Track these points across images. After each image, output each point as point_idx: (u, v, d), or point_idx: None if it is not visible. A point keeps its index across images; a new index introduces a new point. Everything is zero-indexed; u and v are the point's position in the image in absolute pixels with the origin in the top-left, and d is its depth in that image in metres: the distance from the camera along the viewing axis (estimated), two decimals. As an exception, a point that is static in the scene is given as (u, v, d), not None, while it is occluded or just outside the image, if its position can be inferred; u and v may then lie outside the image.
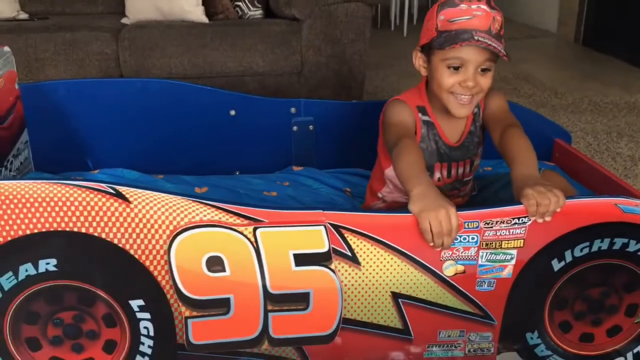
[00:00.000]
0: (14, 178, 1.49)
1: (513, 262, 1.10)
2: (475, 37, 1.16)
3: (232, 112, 1.75)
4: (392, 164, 1.22)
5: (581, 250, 1.11)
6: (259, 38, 2.25)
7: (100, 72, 2.22)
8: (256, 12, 2.42)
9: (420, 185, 1.08)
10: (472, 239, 1.08)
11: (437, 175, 1.35)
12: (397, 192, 1.39)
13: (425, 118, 1.33)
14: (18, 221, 1.03)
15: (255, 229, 1.06)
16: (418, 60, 1.29)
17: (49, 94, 1.71)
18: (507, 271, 1.11)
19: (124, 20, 2.45)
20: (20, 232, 1.03)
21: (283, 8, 2.28)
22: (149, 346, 1.11)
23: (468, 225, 1.07)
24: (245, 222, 1.06)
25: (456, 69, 1.21)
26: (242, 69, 2.25)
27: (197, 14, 2.30)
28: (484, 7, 1.19)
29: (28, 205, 1.02)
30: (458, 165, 1.36)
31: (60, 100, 1.72)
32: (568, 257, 1.11)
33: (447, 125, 1.33)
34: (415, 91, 1.35)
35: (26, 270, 1.05)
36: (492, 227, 1.08)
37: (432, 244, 1.05)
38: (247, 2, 2.42)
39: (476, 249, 1.08)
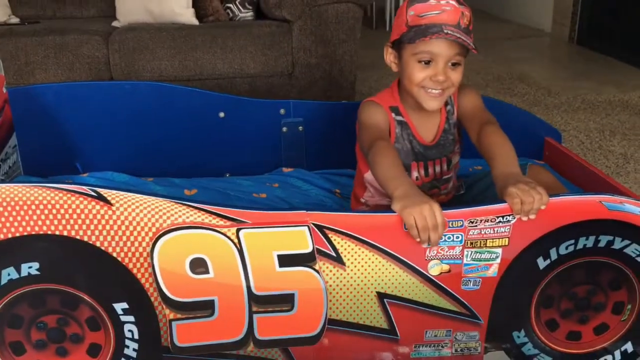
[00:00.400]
0: (0, 182, 1.49)
1: (498, 260, 1.09)
2: (445, 31, 1.18)
3: (222, 114, 1.75)
4: (369, 167, 1.21)
5: (566, 248, 1.10)
6: (250, 40, 2.25)
7: (91, 75, 2.22)
8: (247, 14, 2.42)
9: (401, 186, 1.08)
10: (457, 237, 1.08)
11: (415, 174, 1.35)
12: (379, 195, 1.38)
13: (399, 118, 1.33)
14: (-1, 225, 1.02)
15: (238, 230, 1.05)
16: (389, 56, 1.30)
17: (37, 97, 1.71)
18: (493, 270, 1.10)
19: (115, 23, 2.45)
20: (1, 236, 1.02)
21: (273, 10, 2.28)
22: (134, 349, 1.11)
23: (452, 224, 1.07)
24: (228, 223, 1.06)
25: (427, 63, 1.22)
26: (233, 71, 2.25)
27: (188, 16, 2.30)
28: (453, 2, 1.21)
29: (9, 208, 1.02)
30: (434, 163, 1.36)
31: (48, 104, 1.72)
32: (553, 255, 1.10)
33: (420, 124, 1.34)
34: (388, 92, 1.36)
35: (8, 275, 1.05)
36: (476, 225, 1.07)
37: (418, 239, 1.05)
38: (237, 4, 2.42)
39: (461, 248, 1.08)
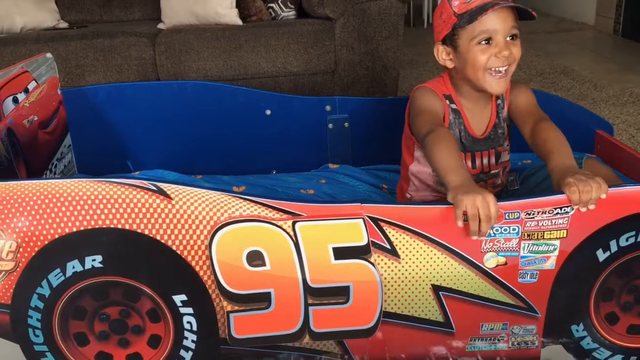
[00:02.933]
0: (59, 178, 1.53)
1: (556, 253, 1.08)
2: (499, 3, 1.20)
3: (268, 112, 1.77)
4: (426, 154, 1.21)
5: (627, 240, 1.08)
6: (293, 38, 2.26)
7: (138, 76, 2.27)
8: (289, 13, 2.44)
9: (459, 177, 1.08)
10: (513, 229, 1.07)
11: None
12: (423, 190, 1.39)
13: (453, 106, 1.33)
14: (65, 219, 1.06)
15: (294, 223, 1.06)
16: (441, 54, 1.31)
17: (89, 98, 1.76)
18: (550, 262, 1.09)
19: (160, 26, 2.50)
20: (67, 230, 1.06)
21: (316, 8, 2.29)
22: (193, 341, 1.13)
23: (509, 216, 1.06)
24: (285, 216, 1.07)
25: (487, 42, 1.23)
26: (276, 70, 2.27)
27: (231, 16, 2.33)
28: None
29: (74, 203, 1.05)
30: (482, 155, 1.36)
31: (100, 104, 1.77)
32: (613, 247, 1.08)
33: (473, 115, 1.34)
34: (439, 80, 1.36)
35: (73, 267, 1.08)
36: (533, 217, 1.06)
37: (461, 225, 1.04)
38: (280, 3, 2.44)
39: (518, 240, 1.07)
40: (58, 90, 1.70)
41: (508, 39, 1.23)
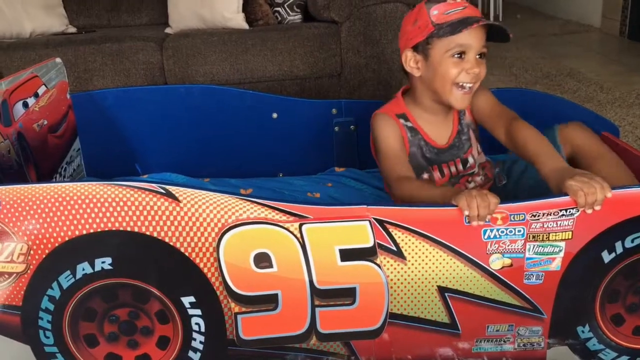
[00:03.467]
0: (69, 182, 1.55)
1: (561, 254, 1.08)
2: (478, 21, 1.23)
3: (275, 115, 1.78)
4: (404, 200, 1.24)
5: (632, 241, 1.08)
6: (299, 42, 2.28)
7: (146, 80, 2.29)
8: (295, 17, 2.46)
9: (448, 190, 1.16)
10: (519, 231, 1.07)
11: (426, 175, 1.38)
12: None
13: (409, 124, 1.38)
14: (75, 222, 1.07)
15: (301, 225, 1.08)
16: (409, 61, 1.32)
17: (98, 102, 1.78)
18: (556, 264, 1.09)
19: (168, 30, 2.52)
20: (77, 232, 1.07)
21: (321, 11, 2.30)
22: (201, 342, 1.14)
23: (514, 217, 1.07)
24: (291, 218, 1.08)
25: (459, 56, 1.26)
26: (283, 73, 2.28)
27: (238, 20, 2.35)
28: (466, 2, 1.29)
29: (84, 206, 1.07)
30: (449, 165, 1.40)
31: (109, 108, 1.78)
32: (619, 248, 1.09)
33: (432, 129, 1.38)
34: (393, 102, 1.41)
35: (83, 269, 1.09)
36: (538, 219, 1.06)
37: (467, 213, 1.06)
38: (286, 7, 2.45)
39: (523, 241, 1.08)
40: (67, 94, 1.72)
41: (477, 56, 1.26)
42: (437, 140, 1.39)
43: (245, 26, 2.36)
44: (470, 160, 1.42)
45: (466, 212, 1.05)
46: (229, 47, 2.28)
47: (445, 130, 1.40)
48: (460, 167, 1.41)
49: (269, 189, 1.67)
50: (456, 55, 1.26)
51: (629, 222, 1.07)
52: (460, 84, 1.28)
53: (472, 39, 1.25)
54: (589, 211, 1.05)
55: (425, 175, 1.40)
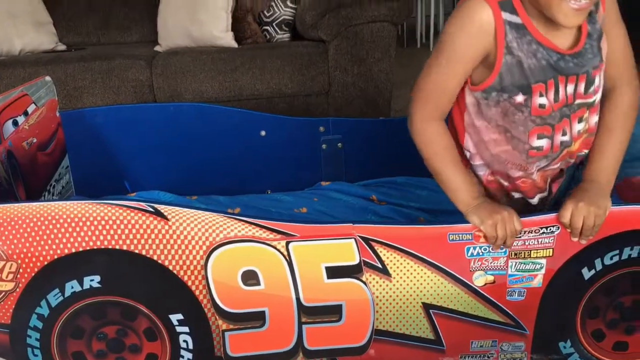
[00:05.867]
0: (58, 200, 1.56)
1: (543, 271, 1.11)
2: None
3: (263, 133, 1.80)
4: (420, 151, 1.10)
5: (611, 259, 1.11)
6: (287, 60, 2.31)
7: (136, 98, 2.30)
8: (284, 36, 2.49)
9: (470, 193, 1.08)
10: (501, 249, 1.10)
11: (539, 101, 1.02)
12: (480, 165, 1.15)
13: (514, 19, 0.99)
14: (64, 240, 1.08)
15: (287, 243, 1.09)
16: None
17: (87, 120, 1.79)
18: (537, 280, 1.12)
19: (157, 48, 2.54)
20: (66, 251, 1.08)
21: (309, 30, 2.34)
22: (188, 359, 1.15)
23: (496, 235, 1.09)
24: (278, 236, 1.10)
25: None
26: (271, 91, 2.31)
27: (227, 39, 2.37)
28: None
29: (73, 224, 1.08)
30: (568, 80, 1.01)
31: (98, 126, 1.80)
32: (598, 265, 1.11)
33: (549, 27, 1.00)
34: None
35: (72, 287, 1.10)
36: (520, 236, 1.09)
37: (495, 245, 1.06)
38: (274, 26, 2.49)
39: (505, 258, 1.10)
40: (57, 112, 1.73)
41: None
42: (557, 43, 1.00)
43: (234, 44, 2.38)
44: (597, 81, 1.03)
45: (489, 240, 1.05)
46: (218, 65, 2.31)
47: (569, 31, 1.01)
48: (583, 88, 1.02)
49: (255, 207, 1.69)
50: None
51: (607, 240, 1.09)
52: None
53: None
54: (574, 239, 1.08)
55: (520, 98, 1.01)
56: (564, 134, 1.07)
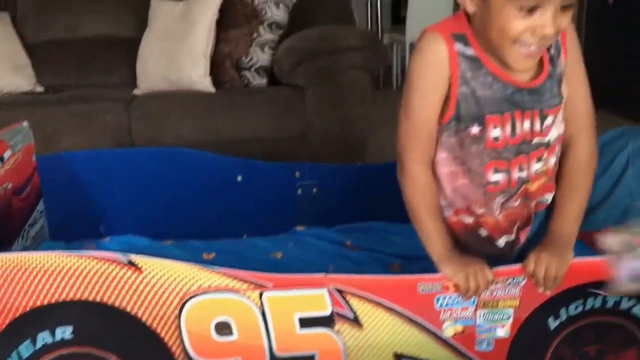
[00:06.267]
0: (31, 248, 1.56)
1: (510, 321, 1.14)
2: None
3: (239, 178, 1.83)
4: (402, 193, 1.11)
5: (575, 309, 1.14)
6: (265, 105, 2.35)
7: (114, 141, 2.31)
8: (262, 81, 2.54)
9: (441, 246, 1.12)
10: (471, 299, 1.12)
11: (493, 133, 1.04)
12: (458, 202, 1.14)
13: (468, 51, 1.01)
14: (37, 291, 1.08)
15: (261, 294, 1.11)
16: None
17: (65, 164, 1.80)
18: (505, 330, 1.14)
19: (136, 91, 2.57)
20: (38, 302, 1.08)
21: (287, 77, 2.39)
22: (160, 411, 1.14)
23: (465, 286, 1.12)
24: (252, 287, 1.11)
25: (530, 10, 0.91)
26: (249, 135, 2.34)
27: (205, 84, 2.41)
28: None
29: (46, 276, 1.08)
30: (524, 115, 1.03)
31: (74, 170, 1.80)
32: (563, 315, 1.15)
33: (504, 62, 1.00)
34: (453, 18, 1.05)
35: (43, 339, 1.10)
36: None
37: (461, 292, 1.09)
38: (252, 71, 2.54)
39: (474, 309, 1.13)
40: (33, 157, 1.74)
41: (560, 7, 0.92)
42: (515, 76, 1.01)
43: (212, 89, 2.42)
44: (550, 120, 1.04)
45: (461, 291, 1.08)
46: (197, 109, 2.34)
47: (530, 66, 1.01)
48: (538, 124, 1.03)
49: (231, 252, 1.70)
50: (525, 9, 0.92)
51: (571, 291, 1.13)
52: (524, 41, 0.95)
53: None
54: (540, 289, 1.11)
55: (476, 130, 1.03)
56: (520, 169, 1.09)
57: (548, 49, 1.03)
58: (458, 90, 1.03)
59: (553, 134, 1.08)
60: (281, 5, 2.56)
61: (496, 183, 1.10)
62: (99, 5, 2.91)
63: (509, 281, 1.11)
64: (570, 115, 1.09)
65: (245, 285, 1.11)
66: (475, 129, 1.05)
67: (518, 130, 1.05)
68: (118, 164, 1.82)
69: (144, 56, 2.57)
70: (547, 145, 1.09)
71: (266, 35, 2.54)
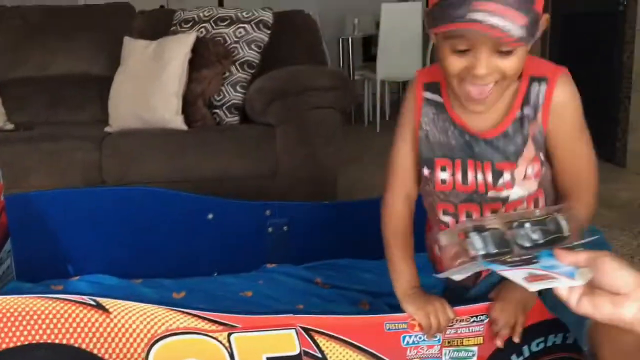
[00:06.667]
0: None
1: (475, 358, 1.16)
2: (469, 15, 0.83)
3: (210, 216, 1.84)
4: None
5: (537, 345, 1.17)
6: (236, 143, 2.38)
7: (83, 179, 2.31)
8: (233, 119, 2.57)
9: (405, 283, 1.15)
10: (435, 337, 1.14)
11: (441, 176, 1.08)
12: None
13: (435, 98, 1.06)
14: (2, 334, 1.07)
15: (229, 335, 1.11)
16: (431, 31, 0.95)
17: (33, 203, 1.79)
18: (470, 367, 1.16)
19: (107, 129, 2.57)
20: (4, 345, 1.07)
21: (258, 115, 2.42)
22: None
23: (430, 324, 1.14)
24: (220, 327, 1.12)
25: (462, 51, 0.91)
26: (220, 173, 2.36)
27: (177, 122, 2.43)
28: None
29: (12, 319, 1.07)
30: (476, 166, 1.04)
31: (43, 209, 1.80)
32: (526, 352, 1.17)
33: (467, 109, 1.01)
34: (436, 64, 1.05)
35: (8, 383, 1.09)
36: (453, 325, 1.14)
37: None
38: (224, 109, 2.57)
39: (439, 347, 1.15)
40: (1, 196, 1.72)
41: (496, 52, 0.90)
42: (474, 125, 1.02)
43: (184, 127, 2.44)
44: (507, 177, 1.03)
45: (423, 329, 1.10)
46: (168, 147, 2.35)
47: (494, 113, 1.01)
48: (490, 177, 1.03)
49: (201, 290, 1.70)
50: (457, 51, 0.92)
51: (533, 327, 1.16)
52: (468, 80, 0.94)
53: (475, 33, 0.86)
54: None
55: (426, 171, 1.09)
56: (467, 216, 1.11)
57: (522, 107, 1.02)
58: (418, 134, 1.12)
59: (516, 193, 1.06)
60: (253, 45, 2.62)
61: (446, 224, 1.16)
62: (72, 43, 2.93)
63: (473, 319, 1.14)
64: (561, 176, 1.07)
65: (214, 326, 1.11)
66: (426, 171, 1.12)
67: (470, 179, 1.07)
68: (87, 203, 1.82)
69: (116, 94, 2.58)
70: (505, 201, 1.07)
71: (238, 74, 2.59)
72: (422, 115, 1.10)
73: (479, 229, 0.82)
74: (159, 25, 2.79)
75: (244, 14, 2.68)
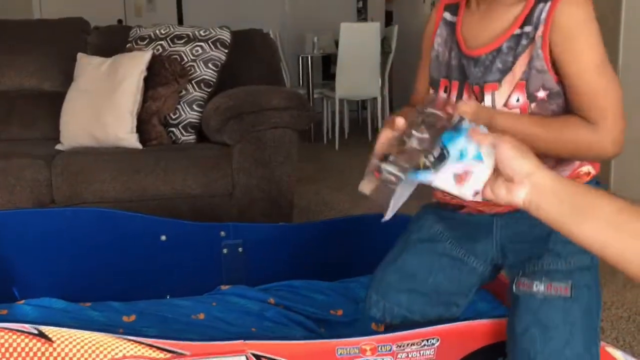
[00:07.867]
0: None
1: (425, 382, 1.17)
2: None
3: (163, 237, 1.81)
4: None
5: (495, 367, 1.19)
6: (191, 162, 2.35)
7: (32, 198, 2.25)
8: (189, 137, 2.55)
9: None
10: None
11: (442, 97, 1.06)
12: None
13: (448, 17, 1.07)
14: (-64, 367, 1.03)
15: (178, 362, 1.09)
16: None
17: (-24, 224, 1.73)
18: (421, 392, 1.17)
19: (58, 147, 2.51)
20: (-63, 378, 1.03)
21: (214, 134, 2.41)
22: None
23: (381, 348, 1.14)
24: (169, 355, 1.09)
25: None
26: (175, 192, 2.33)
27: (132, 141, 2.40)
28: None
29: (-52, 349, 1.03)
30: (473, 89, 0.99)
31: (-12, 231, 1.74)
32: (481, 373, 1.19)
33: (474, 25, 1.00)
34: None
35: (-58, 417, 1.04)
36: (404, 349, 1.15)
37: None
38: (180, 128, 2.54)
39: (392, 370, 1.15)
40: (-57, 217, 1.66)
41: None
42: (470, 42, 1.00)
43: (139, 146, 2.41)
44: (487, 99, 0.97)
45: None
46: (121, 165, 2.31)
47: (490, 30, 0.98)
48: (481, 100, 0.98)
49: (152, 314, 1.66)
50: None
51: (483, 350, 1.17)
52: None
53: None
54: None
55: (431, 92, 1.11)
56: None
57: (522, 27, 0.94)
58: (431, 54, 1.11)
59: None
60: (210, 63, 2.61)
61: None
62: (24, 57, 2.87)
63: (423, 343, 1.15)
64: (572, 94, 0.95)
65: (161, 354, 1.09)
66: (431, 92, 1.11)
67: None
68: (35, 224, 1.77)
69: (68, 111, 2.53)
70: None
71: (195, 93, 2.57)
72: (436, 36, 1.10)
73: (385, 158, 0.83)
74: (114, 42, 2.76)
75: (201, 32, 2.67)
